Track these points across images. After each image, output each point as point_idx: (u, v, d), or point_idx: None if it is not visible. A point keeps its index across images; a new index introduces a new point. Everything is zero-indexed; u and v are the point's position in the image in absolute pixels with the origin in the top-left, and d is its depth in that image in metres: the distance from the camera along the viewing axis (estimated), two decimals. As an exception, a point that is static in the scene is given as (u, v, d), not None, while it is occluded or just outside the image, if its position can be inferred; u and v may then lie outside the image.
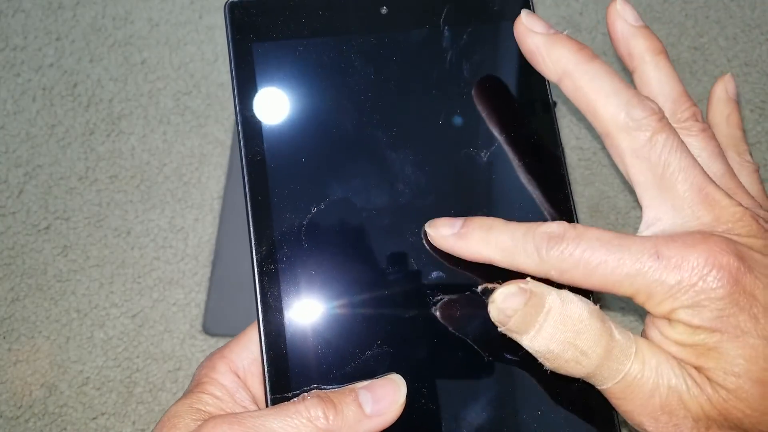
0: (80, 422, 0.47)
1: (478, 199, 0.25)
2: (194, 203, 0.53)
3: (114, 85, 0.58)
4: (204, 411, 0.21)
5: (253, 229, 0.24)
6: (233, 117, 0.57)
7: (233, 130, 0.56)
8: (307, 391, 0.22)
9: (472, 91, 0.25)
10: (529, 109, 0.26)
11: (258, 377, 0.23)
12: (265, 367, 0.22)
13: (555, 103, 0.56)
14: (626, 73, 0.57)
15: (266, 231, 0.23)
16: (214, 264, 0.51)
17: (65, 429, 0.47)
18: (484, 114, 0.25)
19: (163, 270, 0.51)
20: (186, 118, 0.57)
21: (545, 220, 0.24)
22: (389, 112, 0.24)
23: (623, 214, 0.52)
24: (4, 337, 0.50)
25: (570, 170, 0.54)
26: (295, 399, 0.21)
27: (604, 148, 0.55)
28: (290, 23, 0.24)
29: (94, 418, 0.47)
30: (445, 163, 0.25)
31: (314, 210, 0.24)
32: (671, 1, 0.61)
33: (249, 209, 0.23)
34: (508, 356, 0.23)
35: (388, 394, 0.21)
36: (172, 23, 0.61)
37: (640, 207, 0.22)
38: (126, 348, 0.49)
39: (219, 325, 0.49)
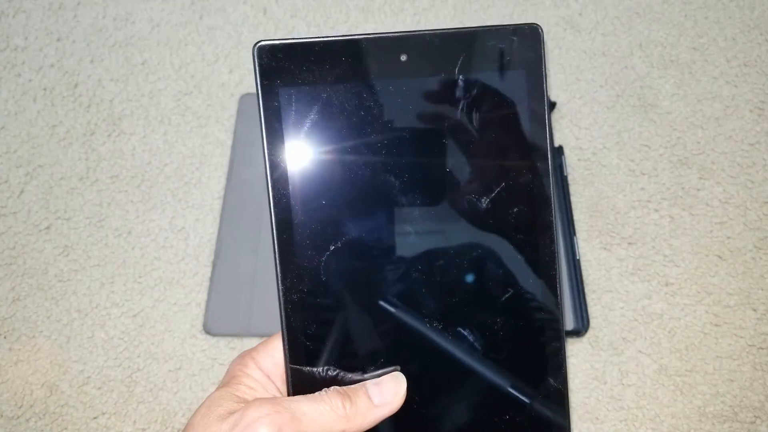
0: (81, 422, 0.47)
1: (478, 243, 0.28)
2: (195, 203, 0.54)
3: (115, 85, 0.58)
4: (242, 398, 0.25)
5: (280, 263, 0.26)
6: (234, 118, 0.57)
7: (234, 131, 0.56)
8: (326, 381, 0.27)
9: (481, 138, 0.27)
10: (531, 159, 0.28)
11: (280, 378, 0.27)
12: (288, 360, 0.26)
13: (554, 104, 0.56)
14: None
15: (291, 265, 0.26)
16: (215, 264, 0.51)
17: (66, 428, 0.47)
18: (489, 162, 0.27)
19: (163, 270, 0.51)
20: (186, 119, 0.57)
21: (534, 260, 0.28)
22: (405, 155, 0.27)
23: (622, 214, 0.52)
24: (5, 337, 0.50)
25: (570, 171, 0.54)
26: (318, 392, 0.25)
27: (603, 148, 0.55)
28: (315, 67, 0.26)
29: (94, 418, 0.48)
30: (451, 204, 0.27)
31: (332, 247, 0.27)
32: (671, 1, 0.61)
33: (275, 242, 0.26)
34: (492, 361, 0.28)
35: (392, 387, 0.26)
36: (173, 24, 0.61)
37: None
38: (127, 348, 0.49)
39: (220, 324, 0.49)
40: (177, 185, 0.54)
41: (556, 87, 0.58)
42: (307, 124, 0.26)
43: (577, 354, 0.48)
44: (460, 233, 0.27)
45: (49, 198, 0.54)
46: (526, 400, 0.27)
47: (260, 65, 0.25)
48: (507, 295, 0.27)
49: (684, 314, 0.49)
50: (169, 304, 0.50)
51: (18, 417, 0.48)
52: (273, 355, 0.27)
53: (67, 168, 0.55)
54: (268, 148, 0.26)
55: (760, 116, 0.56)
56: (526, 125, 0.27)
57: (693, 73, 0.58)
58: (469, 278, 0.28)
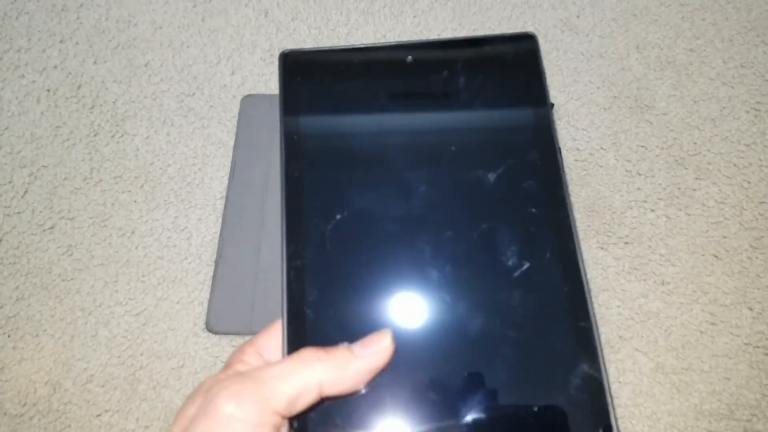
0: (84, 419, 0.48)
1: (483, 218, 0.28)
2: (197, 203, 0.54)
3: (118, 86, 0.59)
4: None
5: (287, 231, 0.27)
6: (236, 119, 0.58)
7: (235, 132, 0.56)
8: None
9: (479, 116, 0.29)
10: (533, 141, 0.29)
11: None
12: (285, 344, 0.26)
13: (552, 105, 0.57)
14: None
15: (297, 234, 0.27)
16: (217, 263, 0.51)
17: (69, 426, 0.48)
18: (490, 144, 0.29)
19: (166, 269, 0.52)
20: (189, 120, 0.57)
21: (544, 238, 0.27)
22: (408, 139, 0.29)
23: (619, 214, 0.53)
24: (9, 336, 0.50)
25: (567, 171, 0.55)
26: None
27: (600, 148, 0.56)
28: (332, 69, 0.30)
29: (98, 415, 0.48)
30: (454, 183, 0.28)
31: (338, 217, 0.27)
32: (668, 3, 0.62)
33: (284, 214, 0.27)
34: (507, 341, 0.26)
35: (375, 339, 0.24)
36: (176, 26, 0.61)
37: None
38: (130, 346, 0.50)
39: (222, 322, 0.49)
40: (180, 185, 0.55)
41: (553, 88, 0.58)
42: (322, 113, 0.29)
43: (574, 352, 0.49)
44: (470, 207, 0.27)
45: (53, 198, 0.54)
46: (556, 387, 0.24)
47: (284, 67, 0.30)
48: (523, 269, 0.26)
49: (680, 313, 0.50)
50: (172, 303, 0.51)
51: (22, 415, 0.48)
52: (274, 338, 0.26)
53: (71, 168, 0.55)
54: (284, 120, 0.28)
55: (756, 117, 0.56)
56: (527, 114, 0.29)
57: (690, 74, 0.58)
58: (482, 251, 0.26)
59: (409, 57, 0.30)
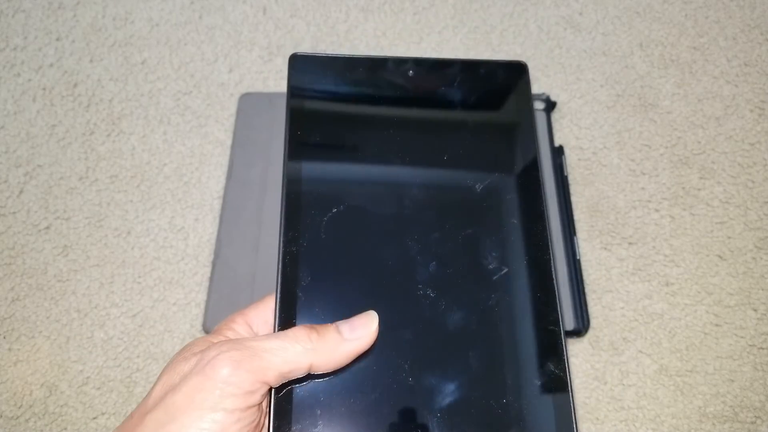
0: (80, 422, 0.47)
1: (468, 223, 0.30)
2: (194, 203, 0.53)
3: (114, 85, 0.58)
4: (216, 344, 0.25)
5: (285, 219, 0.29)
6: (233, 117, 0.57)
7: (233, 131, 0.56)
8: None
9: (472, 130, 0.32)
10: (518, 155, 0.32)
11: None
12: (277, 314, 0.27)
13: (554, 104, 0.56)
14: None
15: (295, 222, 0.29)
16: (214, 264, 0.51)
17: (65, 429, 0.47)
18: (478, 156, 0.31)
19: (163, 270, 0.51)
20: (186, 118, 0.57)
21: (527, 244, 0.30)
22: (406, 141, 0.31)
23: (623, 214, 0.52)
24: (5, 337, 0.50)
25: (570, 170, 0.54)
26: (285, 330, 0.25)
27: (604, 147, 0.55)
28: (338, 75, 0.32)
29: (94, 418, 0.47)
30: (443, 189, 0.30)
31: (334, 210, 0.29)
32: (671, 1, 0.61)
33: (283, 203, 0.29)
34: (487, 338, 0.28)
35: (363, 323, 0.25)
36: (173, 23, 0.61)
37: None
38: (126, 348, 0.49)
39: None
40: (176, 185, 0.54)
41: (556, 86, 0.58)
42: (326, 113, 0.31)
43: (577, 354, 0.48)
44: (456, 212, 0.30)
45: (48, 198, 0.54)
46: (525, 381, 0.27)
47: (293, 68, 0.32)
48: (501, 273, 0.29)
49: (684, 314, 0.49)
50: (168, 304, 0.50)
51: (17, 417, 0.48)
52: (264, 312, 0.27)
53: (67, 168, 0.55)
54: (290, 116, 0.30)
55: (761, 116, 0.56)
56: (514, 127, 0.32)
57: (693, 72, 0.58)
58: (465, 253, 0.29)
59: (411, 71, 0.33)
